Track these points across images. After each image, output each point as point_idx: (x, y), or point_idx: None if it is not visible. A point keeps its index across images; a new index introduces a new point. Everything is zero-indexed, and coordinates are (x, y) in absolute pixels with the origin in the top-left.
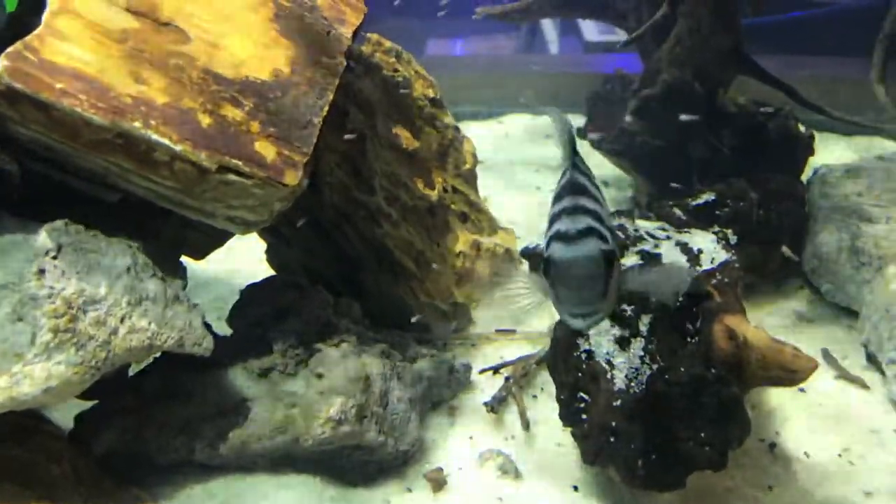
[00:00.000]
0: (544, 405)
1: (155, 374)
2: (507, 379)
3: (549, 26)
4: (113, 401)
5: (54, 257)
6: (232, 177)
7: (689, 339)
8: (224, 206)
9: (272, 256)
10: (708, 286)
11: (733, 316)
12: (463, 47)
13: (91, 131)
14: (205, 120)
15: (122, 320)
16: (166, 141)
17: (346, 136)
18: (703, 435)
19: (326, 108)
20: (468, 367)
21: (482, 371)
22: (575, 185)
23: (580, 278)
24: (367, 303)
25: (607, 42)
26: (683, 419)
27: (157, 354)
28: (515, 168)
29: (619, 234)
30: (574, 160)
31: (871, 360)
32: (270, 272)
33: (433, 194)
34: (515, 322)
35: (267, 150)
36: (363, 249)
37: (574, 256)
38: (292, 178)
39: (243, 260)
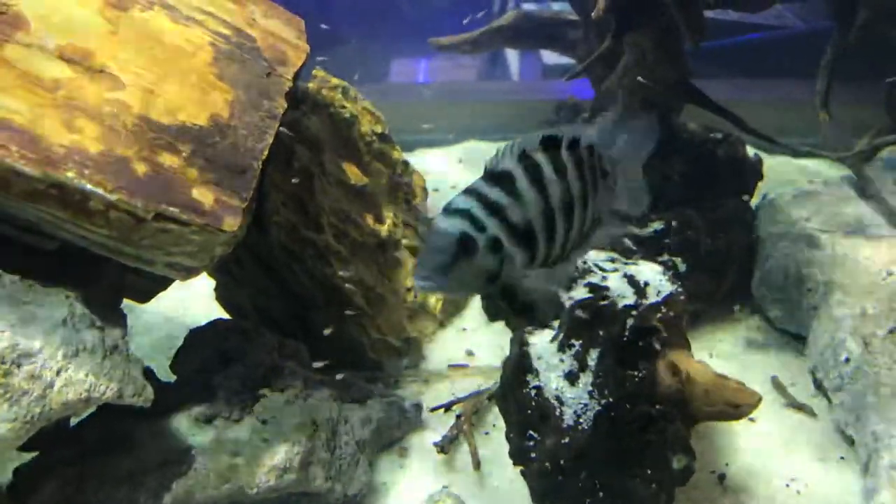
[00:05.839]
0: (496, 442)
1: (97, 424)
2: (457, 417)
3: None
4: (53, 452)
5: None
6: (169, 225)
7: (635, 375)
8: (163, 253)
9: (222, 295)
10: (654, 320)
11: (677, 351)
12: (427, 68)
13: (23, 182)
14: (140, 168)
15: (58, 373)
16: (100, 190)
17: (293, 177)
18: (649, 472)
19: (266, 152)
20: (419, 407)
21: (433, 409)
22: (493, 174)
23: (431, 245)
24: (318, 341)
25: (566, 66)
26: (630, 457)
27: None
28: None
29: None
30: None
31: (819, 387)
32: (223, 310)
33: (383, 229)
34: (467, 357)
35: (205, 196)
36: (312, 287)
37: (436, 225)
38: (231, 224)
39: (197, 297)
